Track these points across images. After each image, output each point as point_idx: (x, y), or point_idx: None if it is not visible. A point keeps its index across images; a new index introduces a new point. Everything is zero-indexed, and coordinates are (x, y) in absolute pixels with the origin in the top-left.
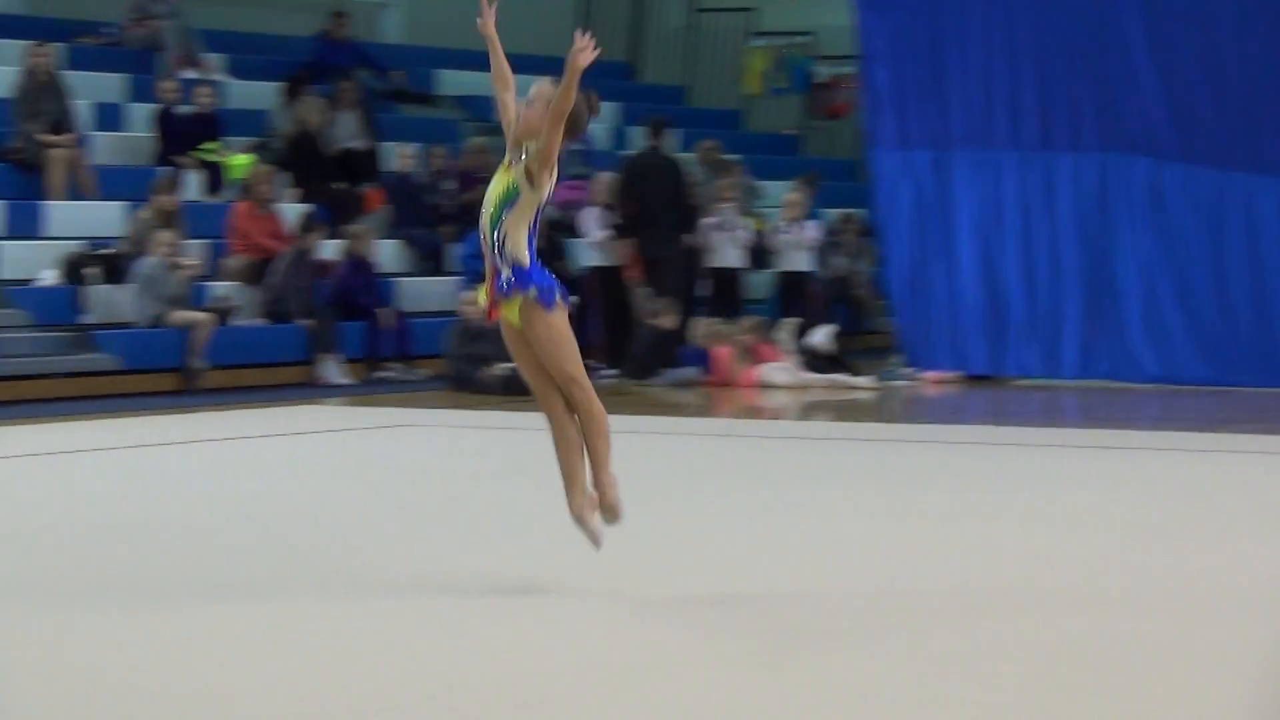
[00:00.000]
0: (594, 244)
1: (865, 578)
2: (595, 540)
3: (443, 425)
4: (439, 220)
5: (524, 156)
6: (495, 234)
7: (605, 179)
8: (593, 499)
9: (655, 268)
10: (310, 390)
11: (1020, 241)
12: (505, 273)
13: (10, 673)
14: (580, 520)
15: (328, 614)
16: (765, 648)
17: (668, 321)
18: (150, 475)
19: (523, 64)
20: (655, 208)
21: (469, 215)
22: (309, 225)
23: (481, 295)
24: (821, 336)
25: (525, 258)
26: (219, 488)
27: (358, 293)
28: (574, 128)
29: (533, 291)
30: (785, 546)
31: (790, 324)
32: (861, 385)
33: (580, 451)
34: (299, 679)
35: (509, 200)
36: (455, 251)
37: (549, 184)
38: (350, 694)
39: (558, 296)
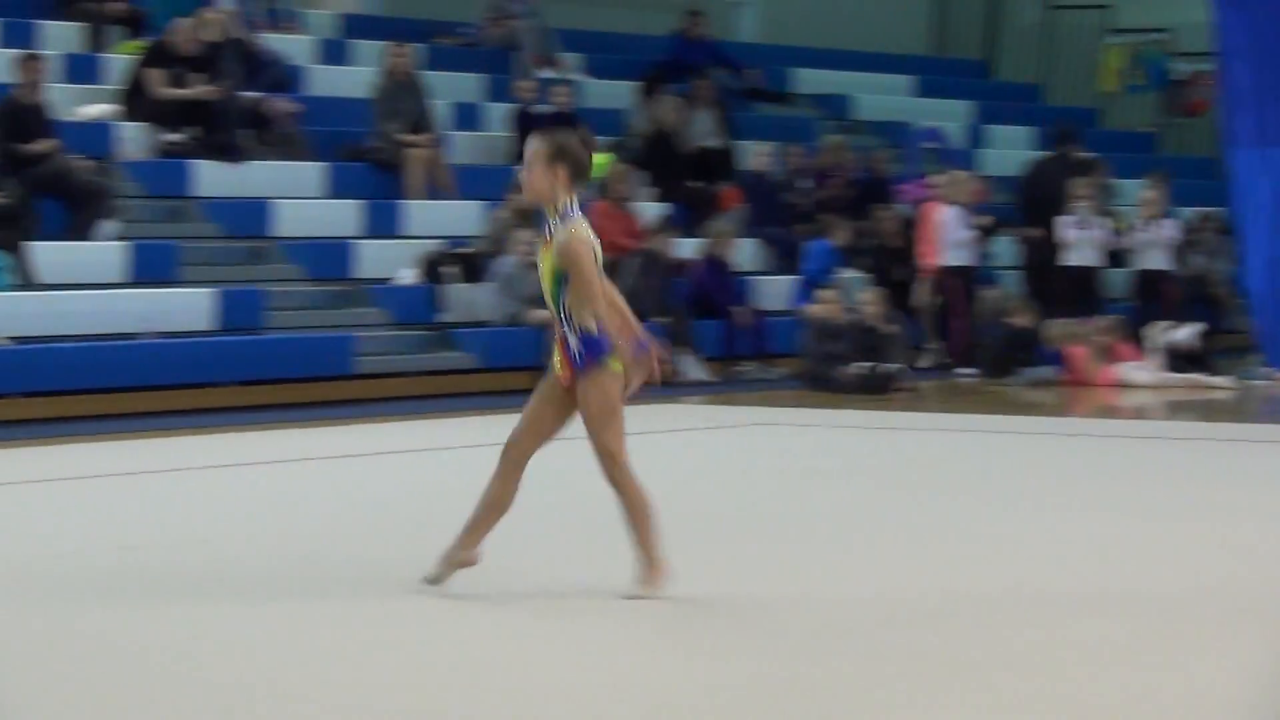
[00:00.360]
0: (956, 243)
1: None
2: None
3: (797, 424)
4: (795, 219)
5: (553, 231)
6: (559, 308)
7: (965, 177)
8: (648, 571)
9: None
10: (666, 389)
11: None
12: (574, 342)
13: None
14: (438, 572)
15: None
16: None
17: (1023, 320)
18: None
19: (878, 63)
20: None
21: (825, 214)
22: (661, 226)
23: (556, 361)
24: (1186, 335)
25: (593, 325)
26: (572, 485)
27: (715, 292)
28: (579, 176)
29: (595, 359)
30: (1155, 545)
31: (1159, 325)
32: (1219, 385)
33: (497, 516)
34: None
35: (561, 282)
36: (808, 250)
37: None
38: None
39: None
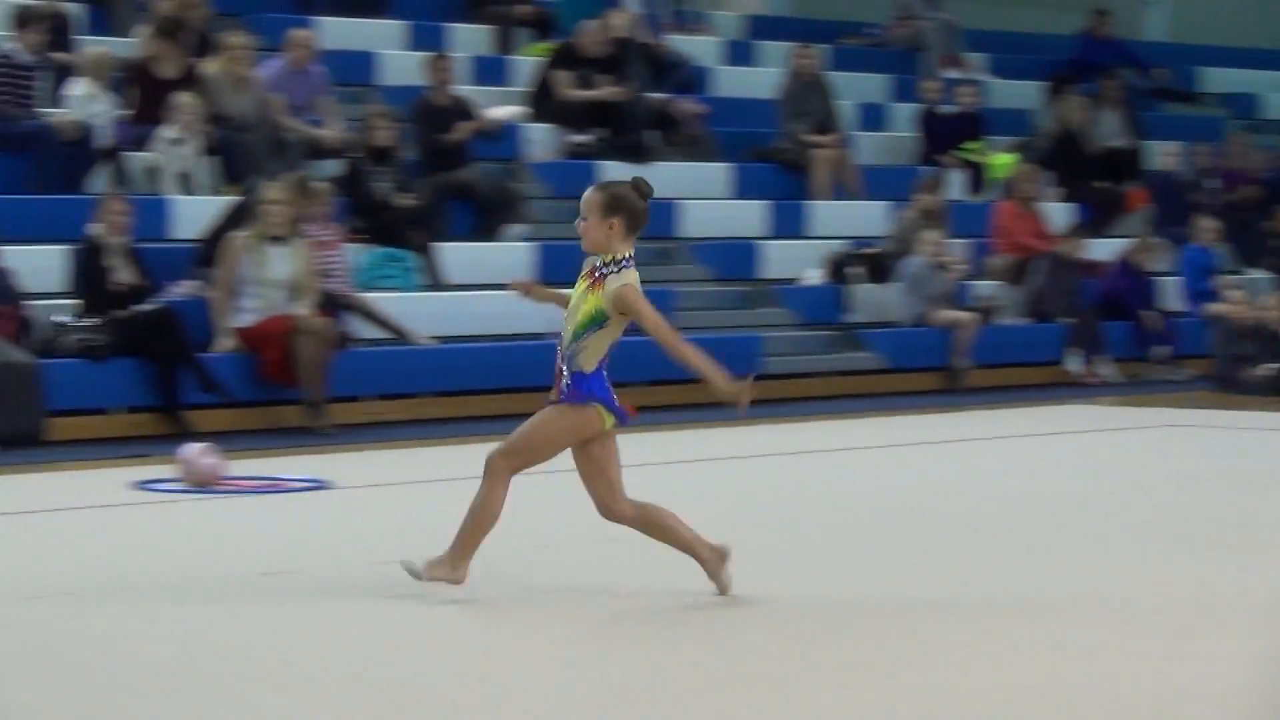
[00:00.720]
0: None
1: None
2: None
3: (1206, 426)
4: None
5: (602, 273)
6: (573, 344)
7: None
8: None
9: None
10: (1072, 390)
11: None
12: (566, 377)
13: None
14: (428, 575)
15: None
16: None
17: None
18: (911, 472)
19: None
20: None
21: (1234, 215)
22: (1074, 231)
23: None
24: None
25: (591, 366)
26: (984, 485)
27: (1126, 294)
28: (634, 227)
29: (578, 396)
30: None
31: None
32: None
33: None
34: None
35: (595, 323)
36: (1185, 254)
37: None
38: None
39: (595, 406)
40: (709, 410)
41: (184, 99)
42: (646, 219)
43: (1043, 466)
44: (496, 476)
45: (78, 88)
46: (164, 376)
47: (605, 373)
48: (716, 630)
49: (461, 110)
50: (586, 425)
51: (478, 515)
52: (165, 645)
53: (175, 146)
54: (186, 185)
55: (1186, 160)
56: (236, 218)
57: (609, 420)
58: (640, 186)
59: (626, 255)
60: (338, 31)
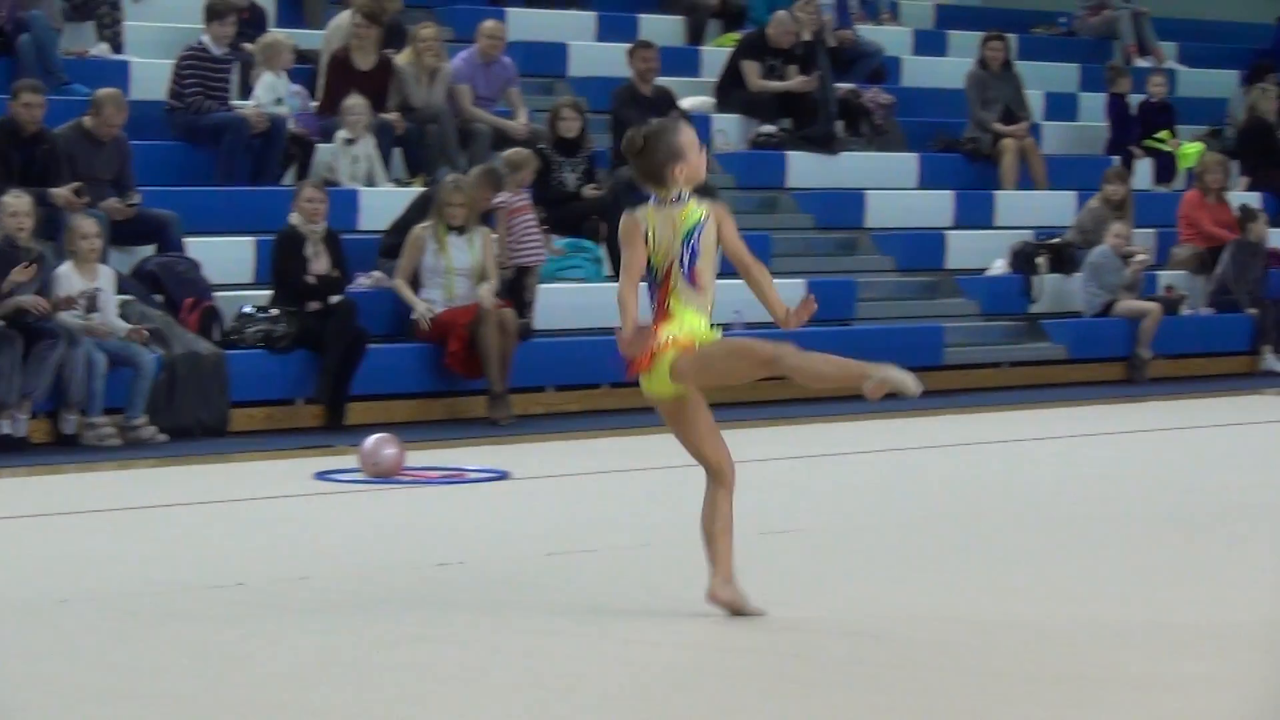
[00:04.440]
0: None
1: None
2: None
3: None
4: None
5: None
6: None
7: None
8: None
9: None
10: (1257, 380)
11: None
12: None
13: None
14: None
15: None
16: None
17: None
18: (1091, 463)
19: None
20: None
21: None
22: (1250, 214)
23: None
24: None
25: None
26: (1169, 476)
27: None
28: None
29: None
30: None
31: None
32: None
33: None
34: None
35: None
36: None
37: None
38: None
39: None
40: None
41: (352, 101)
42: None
43: (1229, 457)
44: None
45: (261, 79)
46: (338, 369)
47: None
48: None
49: (665, 100)
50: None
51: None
52: (320, 638)
53: (348, 147)
54: (366, 179)
55: None
56: (421, 208)
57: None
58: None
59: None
60: (528, 23)
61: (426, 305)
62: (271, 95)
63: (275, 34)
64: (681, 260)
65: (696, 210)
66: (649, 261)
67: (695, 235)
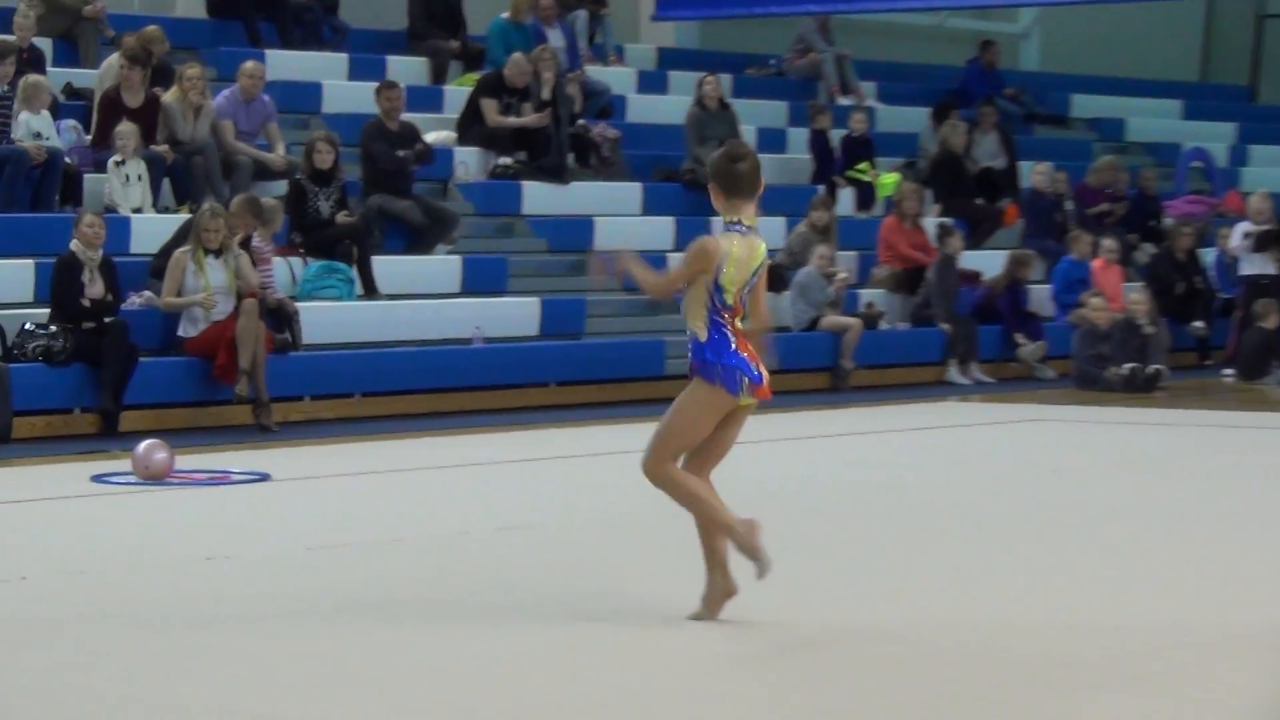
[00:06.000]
0: (1240, 253)
1: None
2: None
3: (1066, 420)
4: (1065, 232)
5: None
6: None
7: (1251, 195)
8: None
9: None
10: (946, 389)
11: None
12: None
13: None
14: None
15: None
16: None
17: (1271, 322)
18: (800, 463)
19: (1149, 88)
20: None
21: (1094, 227)
22: (947, 230)
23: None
24: None
25: (703, 333)
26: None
27: (1000, 301)
28: (731, 189)
29: (699, 366)
30: None
31: None
32: None
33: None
34: None
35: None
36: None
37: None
38: None
39: (719, 378)
40: (615, 408)
41: (123, 128)
42: (746, 181)
43: (917, 457)
44: (662, 479)
45: (19, 116)
46: (114, 381)
47: (729, 338)
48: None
49: (410, 134)
50: (717, 400)
51: (698, 519)
52: (95, 626)
53: (119, 168)
54: (140, 197)
55: (1056, 179)
56: (185, 234)
57: (743, 396)
58: (730, 150)
59: (733, 220)
60: (285, 64)
61: (205, 296)
62: (28, 131)
63: (35, 77)
64: (744, 289)
65: (763, 247)
66: (718, 283)
67: (760, 270)
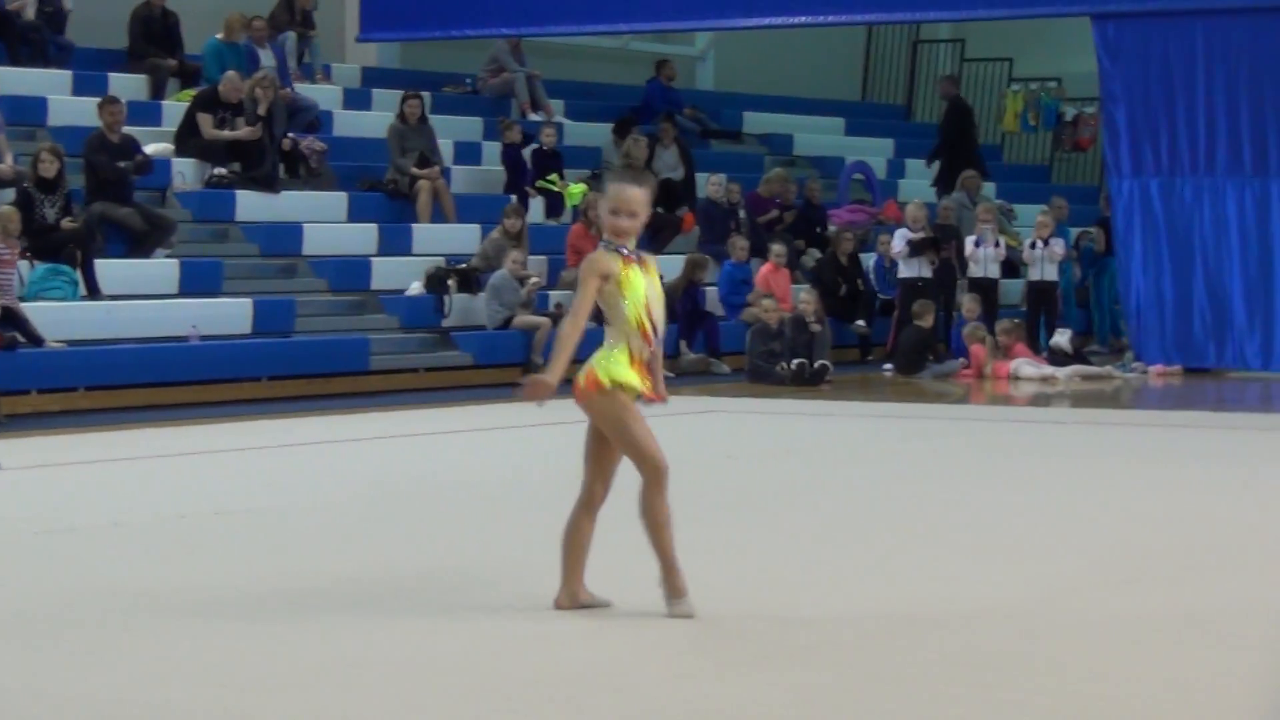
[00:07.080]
0: (899, 257)
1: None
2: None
3: (739, 411)
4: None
5: (639, 255)
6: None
7: (908, 205)
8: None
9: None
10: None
11: (1239, 255)
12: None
13: None
14: (572, 604)
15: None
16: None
17: (927, 321)
18: (491, 452)
19: (814, 107)
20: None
21: (762, 235)
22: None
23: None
24: (1065, 337)
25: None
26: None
27: (679, 303)
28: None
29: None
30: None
31: (1064, 332)
32: (1102, 375)
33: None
34: None
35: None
36: (722, 270)
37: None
38: None
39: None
40: (323, 401)
41: None
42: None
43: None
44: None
45: None
46: None
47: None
48: None
49: (131, 146)
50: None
51: (650, 530)
52: None
53: None
54: None
55: (730, 190)
56: None
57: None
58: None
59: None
60: (13, 79)
61: None
62: None
63: None
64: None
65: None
66: (625, 310)
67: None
